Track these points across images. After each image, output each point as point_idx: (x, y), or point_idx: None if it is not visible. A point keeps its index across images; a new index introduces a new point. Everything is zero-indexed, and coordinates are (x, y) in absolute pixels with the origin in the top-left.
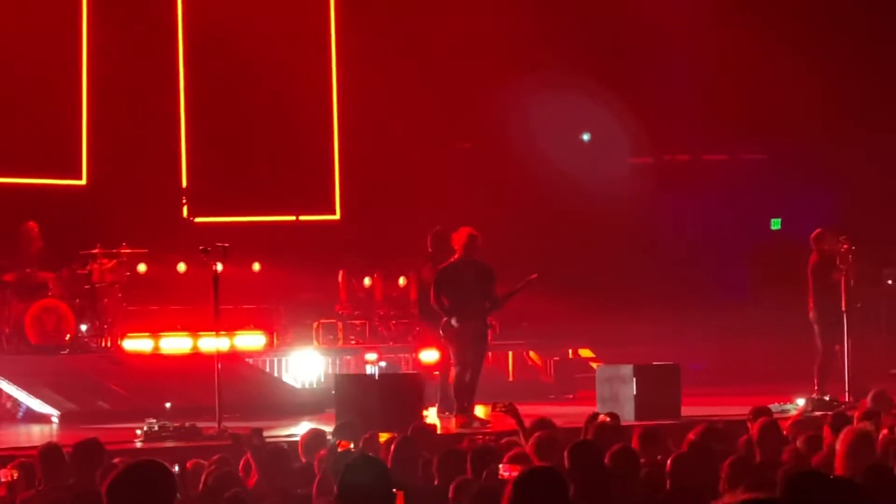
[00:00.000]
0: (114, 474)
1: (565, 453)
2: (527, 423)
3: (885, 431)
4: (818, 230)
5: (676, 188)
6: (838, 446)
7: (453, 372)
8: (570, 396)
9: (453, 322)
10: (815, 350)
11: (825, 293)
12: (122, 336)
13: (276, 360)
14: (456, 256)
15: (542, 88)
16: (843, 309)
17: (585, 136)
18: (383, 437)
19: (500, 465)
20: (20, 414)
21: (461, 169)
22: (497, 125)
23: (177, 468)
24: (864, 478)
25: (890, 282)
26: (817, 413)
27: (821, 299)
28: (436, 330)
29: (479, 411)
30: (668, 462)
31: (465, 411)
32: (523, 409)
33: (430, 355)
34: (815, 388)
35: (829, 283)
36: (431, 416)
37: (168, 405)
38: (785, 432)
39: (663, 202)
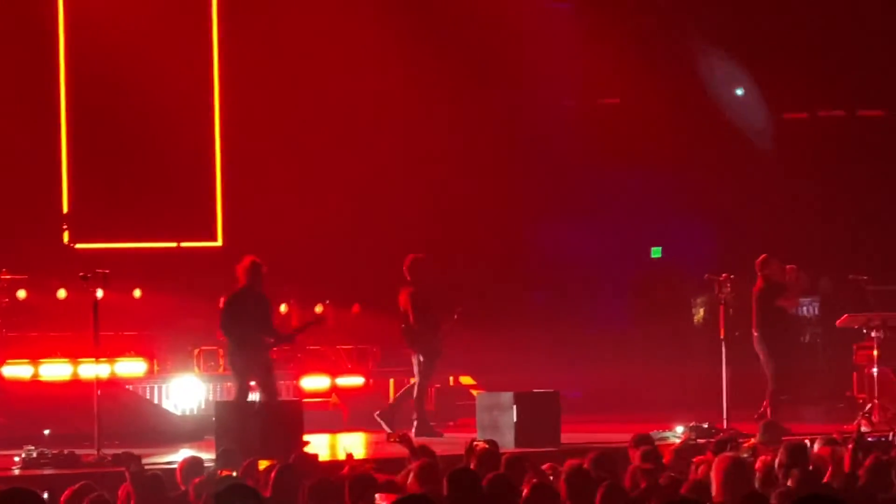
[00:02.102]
0: None
1: (444, 480)
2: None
3: (765, 458)
4: (763, 256)
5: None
6: (713, 474)
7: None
8: (451, 424)
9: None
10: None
11: (772, 319)
12: (1, 363)
13: (156, 386)
14: (239, 286)
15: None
16: (722, 336)
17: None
18: (263, 464)
19: (377, 495)
20: None
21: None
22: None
23: (46, 495)
24: None
25: None
26: (700, 440)
27: (767, 326)
28: (415, 352)
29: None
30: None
31: None
32: None
33: (312, 382)
34: (768, 415)
35: (775, 309)
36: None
37: (47, 432)
38: (666, 460)
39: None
